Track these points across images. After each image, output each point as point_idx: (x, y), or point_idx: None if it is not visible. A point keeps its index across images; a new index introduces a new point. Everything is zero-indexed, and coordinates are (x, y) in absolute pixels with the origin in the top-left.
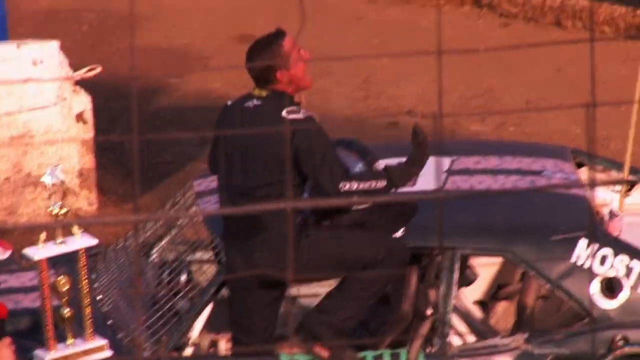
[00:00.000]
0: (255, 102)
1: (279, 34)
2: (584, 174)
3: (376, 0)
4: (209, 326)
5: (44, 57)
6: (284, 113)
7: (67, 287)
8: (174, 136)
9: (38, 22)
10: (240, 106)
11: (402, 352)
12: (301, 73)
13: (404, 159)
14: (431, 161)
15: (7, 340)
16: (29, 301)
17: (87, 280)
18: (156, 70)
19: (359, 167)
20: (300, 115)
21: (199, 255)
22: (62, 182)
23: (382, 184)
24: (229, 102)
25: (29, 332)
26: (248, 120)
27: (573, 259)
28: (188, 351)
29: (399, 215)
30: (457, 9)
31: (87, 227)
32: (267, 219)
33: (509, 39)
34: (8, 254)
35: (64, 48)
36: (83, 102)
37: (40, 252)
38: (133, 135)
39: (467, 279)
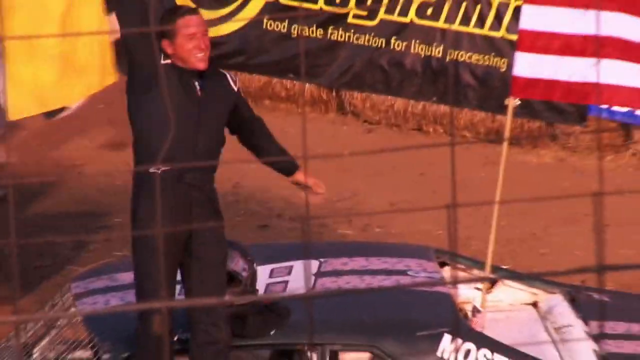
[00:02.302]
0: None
1: (178, 11)
2: (447, 272)
3: None
4: None
5: None
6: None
7: None
8: (51, 240)
9: None
10: None
11: None
12: (185, 51)
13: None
14: (299, 264)
15: None
16: None
17: None
18: (31, 175)
19: (241, 266)
20: None
21: (78, 354)
22: None
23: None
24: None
25: None
26: None
27: (438, 353)
28: None
29: (271, 319)
30: (322, 116)
31: None
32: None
33: (373, 144)
34: None
35: None
36: None
37: None
38: (12, 239)
39: None
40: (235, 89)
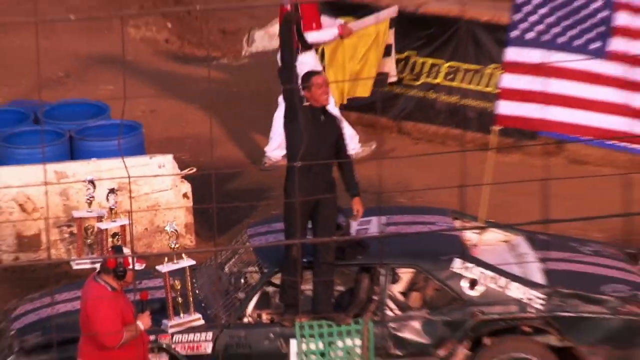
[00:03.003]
0: None
1: (312, 74)
2: (458, 223)
3: None
4: (256, 307)
5: (165, 163)
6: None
7: (179, 286)
8: (237, 204)
9: (157, 144)
10: None
11: (361, 320)
12: (317, 96)
13: None
14: (375, 219)
15: (147, 312)
16: (159, 294)
17: (190, 283)
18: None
19: (342, 219)
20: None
21: (250, 268)
22: (176, 230)
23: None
24: None
25: (159, 311)
26: None
27: (452, 269)
28: (245, 320)
29: (358, 249)
30: (390, 134)
31: (190, 255)
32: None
33: (419, 151)
34: (143, 266)
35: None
36: (186, 187)
37: (165, 267)
38: (214, 204)
39: (395, 280)
40: (341, 128)
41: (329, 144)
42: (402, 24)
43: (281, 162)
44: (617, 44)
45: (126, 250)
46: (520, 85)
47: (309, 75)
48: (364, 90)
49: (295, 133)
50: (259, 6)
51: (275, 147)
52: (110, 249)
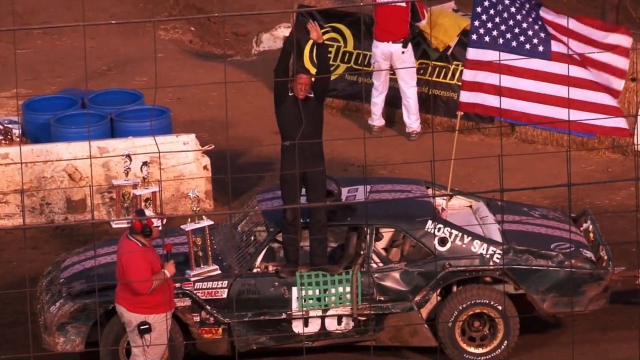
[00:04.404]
0: None
1: (298, 70)
2: (429, 191)
3: None
4: (264, 259)
5: (189, 141)
6: None
7: (200, 242)
8: (247, 175)
9: (182, 125)
10: None
11: (350, 271)
12: (296, 90)
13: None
14: (361, 187)
15: (172, 261)
16: (182, 248)
17: (209, 239)
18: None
19: (333, 186)
20: None
21: (259, 228)
22: (197, 196)
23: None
24: None
25: (183, 263)
26: None
27: (426, 229)
28: (254, 270)
29: (347, 212)
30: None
31: (209, 216)
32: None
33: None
34: (161, 224)
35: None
36: (206, 160)
37: (188, 227)
38: (228, 175)
39: (378, 238)
40: (312, 95)
41: (311, 124)
42: None
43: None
44: (556, 47)
45: (148, 212)
46: (478, 79)
47: (297, 72)
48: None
49: (280, 116)
50: (265, 13)
51: (377, 118)
52: (134, 213)
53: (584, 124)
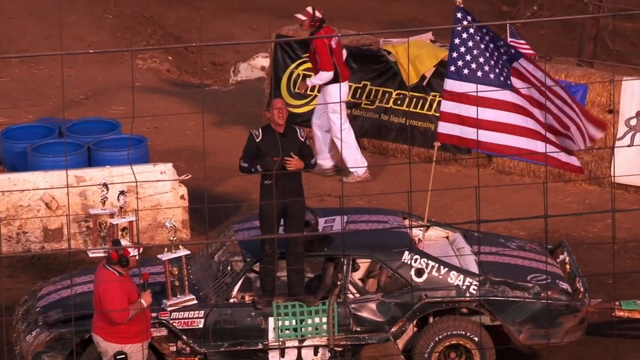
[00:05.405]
0: None
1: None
2: (406, 222)
3: None
4: (240, 289)
5: (166, 170)
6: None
7: (176, 272)
8: (224, 205)
9: (159, 154)
10: None
11: (327, 302)
12: (272, 120)
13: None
14: (338, 218)
15: (149, 291)
16: (159, 278)
17: (186, 269)
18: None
19: (310, 217)
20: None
21: (236, 258)
22: (174, 226)
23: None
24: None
25: (160, 292)
26: None
27: (403, 260)
28: (231, 300)
29: (324, 242)
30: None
31: (185, 246)
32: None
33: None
34: (138, 253)
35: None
36: (183, 189)
37: (165, 256)
38: (205, 205)
39: (355, 268)
40: (302, 140)
41: (290, 155)
42: (359, 58)
43: (329, 168)
44: (516, 83)
45: (124, 242)
46: (456, 111)
47: (273, 99)
48: (417, 74)
49: (258, 155)
50: (243, 43)
51: (324, 158)
52: (110, 243)
53: (556, 158)
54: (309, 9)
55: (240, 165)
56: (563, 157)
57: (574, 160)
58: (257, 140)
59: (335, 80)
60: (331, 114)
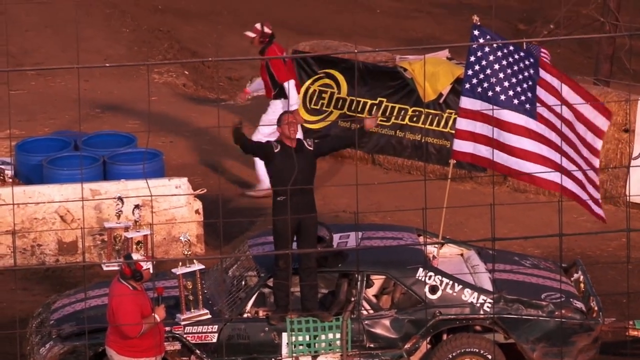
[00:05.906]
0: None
1: (285, 113)
2: (421, 239)
3: None
4: (254, 304)
5: (181, 184)
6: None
7: (191, 286)
8: (238, 219)
9: (174, 168)
10: None
11: (340, 318)
12: (283, 133)
13: None
14: (353, 233)
15: (162, 305)
16: (174, 292)
17: (200, 283)
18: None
19: (325, 233)
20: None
21: (250, 273)
22: (189, 240)
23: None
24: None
25: (174, 306)
26: None
27: (417, 277)
28: (245, 315)
29: (338, 258)
30: (364, 164)
31: (200, 260)
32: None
33: (387, 179)
34: (149, 265)
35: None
36: (198, 204)
37: (179, 270)
38: (220, 219)
39: (369, 285)
40: (311, 148)
41: (305, 171)
42: (375, 75)
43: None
44: (541, 110)
45: (135, 256)
46: (471, 129)
47: (282, 114)
48: (434, 91)
49: (273, 170)
50: (259, 59)
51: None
52: (124, 258)
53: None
54: (258, 26)
55: (244, 143)
56: (591, 204)
57: (600, 211)
58: (275, 151)
59: (280, 95)
60: (259, 127)
